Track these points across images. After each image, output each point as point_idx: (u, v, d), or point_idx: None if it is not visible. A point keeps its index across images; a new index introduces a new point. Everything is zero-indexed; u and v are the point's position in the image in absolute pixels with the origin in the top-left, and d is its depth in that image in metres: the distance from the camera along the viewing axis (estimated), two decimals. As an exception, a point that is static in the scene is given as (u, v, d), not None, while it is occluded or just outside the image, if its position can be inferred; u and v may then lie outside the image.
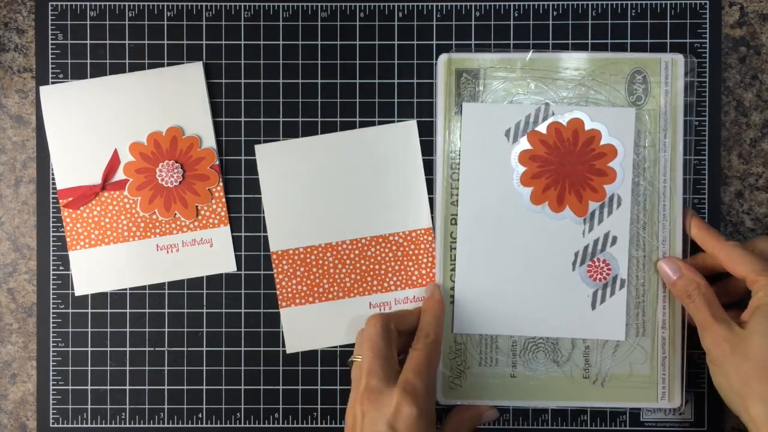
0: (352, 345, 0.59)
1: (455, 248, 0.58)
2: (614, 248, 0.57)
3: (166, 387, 0.59)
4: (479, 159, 0.57)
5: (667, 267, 0.56)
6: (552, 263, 0.57)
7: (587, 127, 0.56)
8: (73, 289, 0.59)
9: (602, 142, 0.56)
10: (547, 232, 0.57)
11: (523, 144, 0.56)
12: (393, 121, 0.59)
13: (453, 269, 0.58)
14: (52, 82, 0.59)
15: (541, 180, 0.56)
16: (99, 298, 0.59)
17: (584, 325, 0.57)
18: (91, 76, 0.59)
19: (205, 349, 0.59)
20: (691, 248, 0.57)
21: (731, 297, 0.55)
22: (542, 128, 0.56)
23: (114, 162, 0.59)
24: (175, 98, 0.59)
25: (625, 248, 0.57)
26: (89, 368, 0.59)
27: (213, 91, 0.59)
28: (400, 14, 0.59)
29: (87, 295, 0.59)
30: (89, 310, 0.59)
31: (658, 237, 0.57)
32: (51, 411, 0.59)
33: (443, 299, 0.56)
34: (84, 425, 0.59)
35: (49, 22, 0.59)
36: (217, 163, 0.59)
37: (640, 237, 0.57)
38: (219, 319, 0.59)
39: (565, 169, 0.56)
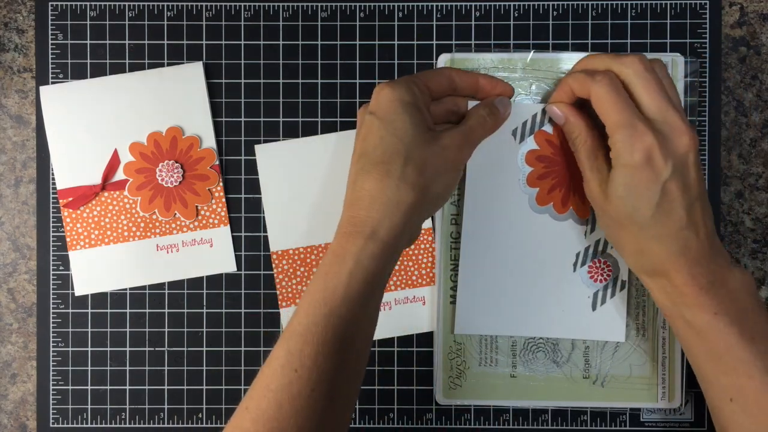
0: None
1: (455, 248, 0.58)
2: (615, 249, 0.57)
3: (166, 387, 0.59)
4: (485, 158, 0.56)
5: (555, 110, 0.54)
6: (553, 264, 0.57)
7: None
8: (73, 289, 0.59)
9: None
10: (550, 233, 0.56)
11: (530, 144, 0.56)
12: (393, 121, 0.59)
13: (453, 269, 0.58)
14: (52, 82, 0.59)
15: (546, 181, 0.56)
16: (99, 298, 0.59)
17: (584, 326, 0.57)
18: (91, 76, 0.59)
19: (205, 349, 0.59)
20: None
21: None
22: (549, 128, 0.56)
23: (114, 162, 0.59)
24: (175, 98, 0.59)
25: (625, 249, 0.57)
26: (89, 368, 0.59)
27: (213, 91, 0.59)
28: (400, 14, 0.59)
29: (87, 295, 0.59)
30: (89, 310, 0.59)
31: (658, 237, 0.57)
32: (51, 411, 0.59)
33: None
34: (84, 425, 0.59)
35: (49, 22, 0.59)
36: (217, 163, 0.59)
37: (640, 237, 0.57)
38: (219, 319, 0.59)
39: (571, 170, 0.56)
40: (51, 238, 0.59)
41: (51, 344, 0.59)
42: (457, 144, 0.50)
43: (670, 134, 0.48)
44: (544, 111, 0.55)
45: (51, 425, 0.59)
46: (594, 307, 0.57)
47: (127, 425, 0.59)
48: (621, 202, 0.48)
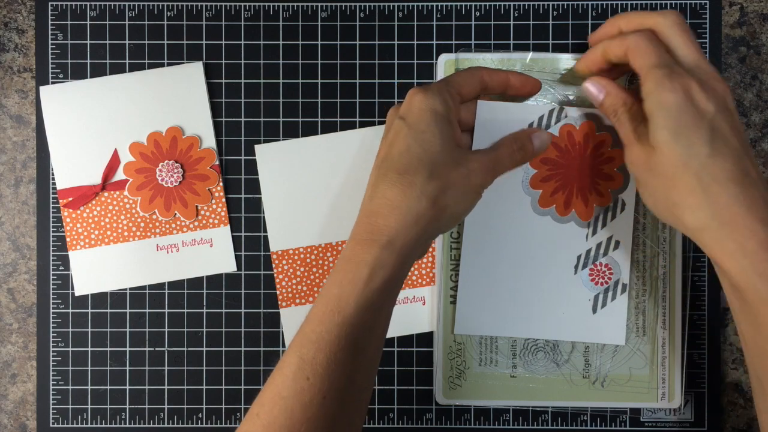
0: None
1: (456, 248, 0.58)
2: (616, 252, 0.56)
3: (166, 387, 0.59)
4: None
5: (592, 87, 0.52)
6: (554, 266, 0.57)
7: (598, 131, 0.56)
8: (73, 289, 0.59)
9: (611, 146, 0.56)
10: (552, 235, 0.56)
11: None
12: (393, 122, 0.59)
13: (453, 269, 0.58)
14: (52, 82, 0.59)
15: (550, 183, 0.56)
16: (99, 298, 0.59)
17: (584, 329, 0.57)
18: (91, 76, 0.59)
19: (205, 349, 0.59)
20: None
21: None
22: (555, 130, 0.56)
23: (114, 162, 0.59)
24: (175, 98, 0.59)
25: (627, 252, 0.56)
26: (89, 368, 0.59)
27: (213, 91, 0.59)
28: (400, 14, 0.59)
29: (87, 295, 0.59)
30: (89, 310, 0.59)
31: (659, 240, 0.57)
32: (51, 411, 0.59)
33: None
34: (84, 425, 0.59)
35: (49, 22, 0.59)
36: (217, 163, 0.59)
37: (642, 240, 0.57)
38: (219, 319, 0.59)
39: (575, 172, 0.56)
40: (51, 238, 0.59)
41: (51, 344, 0.59)
42: (484, 170, 0.49)
43: (706, 79, 0.47)
44: (550, 113, 0.55)
45: (51, 425, 0.59)
46: (594, 310, 0.57)
47: (127, 425, 0.59)
48: (670, 147, 0.45)
